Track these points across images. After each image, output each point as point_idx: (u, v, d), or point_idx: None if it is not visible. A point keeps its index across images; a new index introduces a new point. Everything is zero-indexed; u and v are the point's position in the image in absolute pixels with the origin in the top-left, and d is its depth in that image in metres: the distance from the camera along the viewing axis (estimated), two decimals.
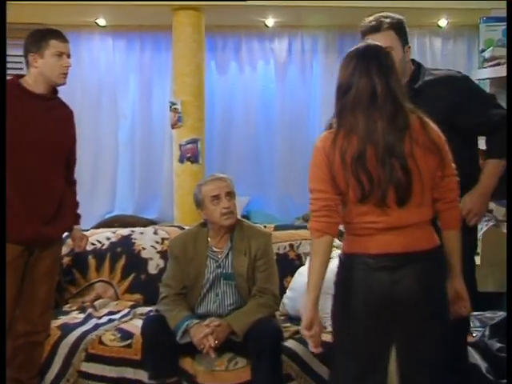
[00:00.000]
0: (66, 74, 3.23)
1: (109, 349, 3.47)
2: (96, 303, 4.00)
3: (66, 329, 3.59)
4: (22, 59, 5.05)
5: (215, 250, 3.51)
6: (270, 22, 5.23)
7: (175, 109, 4.83)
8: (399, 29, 2.89)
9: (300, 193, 5.46)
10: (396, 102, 2.33)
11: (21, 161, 3.18)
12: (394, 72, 2.38)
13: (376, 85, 2.33)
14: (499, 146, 2.87)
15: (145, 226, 4.73)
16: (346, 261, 2.41)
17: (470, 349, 3.24)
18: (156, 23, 5.26)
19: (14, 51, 5.37)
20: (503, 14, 4.16)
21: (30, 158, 3.20)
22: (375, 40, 2.72)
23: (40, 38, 3.19)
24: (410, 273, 2.34)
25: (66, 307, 3.97)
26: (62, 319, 3.72)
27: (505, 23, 4.09)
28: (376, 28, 2.86)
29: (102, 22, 5.30)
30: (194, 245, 3.49)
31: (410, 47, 2.96)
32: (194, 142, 4.81)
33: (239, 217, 3.87)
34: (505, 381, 2.96)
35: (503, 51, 3.85)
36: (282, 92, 5.53)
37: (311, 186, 2.40)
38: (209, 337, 3.23)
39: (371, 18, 2.95)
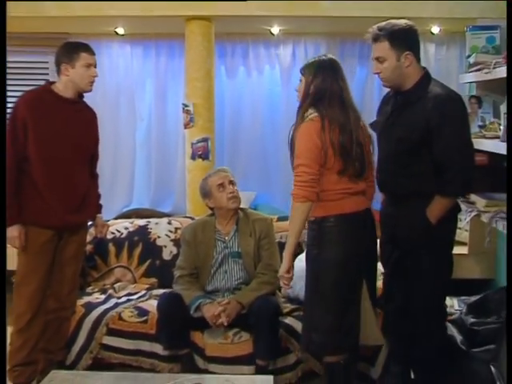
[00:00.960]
0: (92, 83, 3.58)
1: (127, 324, 3.82)
2: (116, 286, 4.34)
3: (90, 307, 3.94)
4: (48, 65, 5.50)
5: (222, 233, 3.88)
6: (276, 30, 5.33)
7: (187, 110, 4.96)
8: (394, 39, 3.08)
9: None
10: (353, 102, 3.14)
11: (52, 157, 3.50)
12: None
13: (343, 89, 3.11)
14: (448, 186, 3.05)
15: (160, 218, 4.93)
16: (331, 222, 3.09)
17: (448, 324, 3.53)
18: (170, 32, 5.39)
19: (41, 58, 5.74)
20: (487, 23, 4.40)
21: (59, 154, 3.52)
22: (374, 48, 3.16)
23: (72, 50, 3.53)
24: (372, 224, 3.21)
25: (88, 289, 4.31)
26: (86, 299, 4.06)
27: (488, 31, 4.29)
28: (373, 39, 3.15)
29: (120, 31, 5.43)
30: (203, 230, 3.86)
31: (409, 54, 3.07)
32: (205, 140, 4.94)
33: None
34: (476, 349, 3.26)
35: (486, 57, 4.07)
36: (286, 94, 5.59)
37: (301, 161, 3.02)
38: (221, 314, 3.58)
39: (372, 28, 3.15)
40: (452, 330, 3.49)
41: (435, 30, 5.27)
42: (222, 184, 3.88)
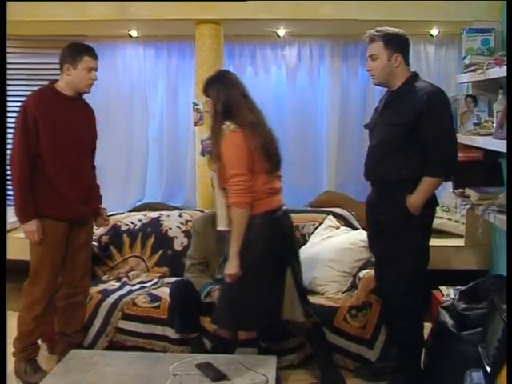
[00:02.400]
0: (91, 85, 3.73)
1: (141, 309, 3.99)
2: (130, 274, 4.48)
3: (105, 293, 4.11)
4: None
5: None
6: (282, 32, 5.45)
7: (197, 109, 5.08)
8: (388, 40, 3.46)
9: (309, 183, 5.80)
10: (256, 104, 3.48)
11: (61, 152, 3.65)
12: None
13: (246, 95, 3.47)
14: (433, 166, 3.34)
15: (171, 211, 5.06)
16: (260, 218, 3.36)
17: (440, 309, 3.74)
18: (181, 34, 5.52)
19: (55, 59, 5.87)
20: (483, 25, 4.59)
21: (67, 149, 3.68)
22: (369, 48, 3.49)
23: (76, 52, 3.67)
24: (289, 217, 3.56)
25: (104, 277, 4.48)
26: (102, 286, 4.23)
27: (483, 34, 4.42)
28: (370, 39, 3.51)
29: (134, 33, 5.58)
30: (213, 222, 3.92)
31: (399, 56, 3.45)
32: None
33: None
34: (465, 332, 3.46)
35: (480, 58, 4.22)
36: (292, 93, 5.74)
37: (237, 171, 3.28)
38: None
39: (370, 31, 3.51)
40: (444, 315, 3.64)
41: (434, 32, 5.41)
42: None
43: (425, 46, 5.65)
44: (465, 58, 4.51)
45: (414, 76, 3.56)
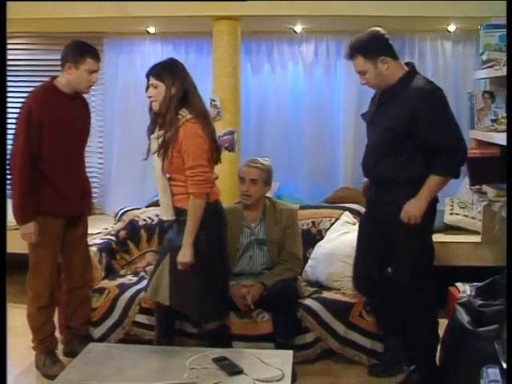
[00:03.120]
0: (90, 87, 3.74)
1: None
2: (147, 269, 4.47)
3: (123, 287, 4.15)
4: None
5: (249, 220, 4.04)
6: (299, 28, 5.49)
7: (215, 105, 5.08)
8: (366, 51, 3.36)
9: (325, 179, 5.84)
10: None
11: (62, 151, 3.67)
12: None
13: (195, 85, 3.52)
14: (443, 166, 3.30)
15: None
16: (212, 206, 3.45)
17: (457, 306, 3.71)
18: (198, 31, 5.55)
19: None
20: (501, 21, 4.54)
21: (67, 148, 3.70)
22: (354, 64, 3.45)
23: (79, 53, 3.64)
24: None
25: (122, 272, 4.50)
26: (119, 280, 4.26)
27: (501, 30, 4.35)
28: (349, 57, 3.47)
29: (152, 30, 5.65)
30: (231, 217, 3.97)
31: (383, 59, 3.34)
32: (231, 133, 5.09)
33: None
34: (481, 329, 3.46)
35: (498, 54, 4.18)
36: (309, 90, 5.77)
37: (199, 162, 3.33)
38: (246, 296, 3.78)
39: (345, 48, 3.49)
40: (460, 312, 3.63)
41: (452, 28, 5.41)
42: (243, 178, 4.05)
43: (442, 43, 5.66)
44: (482, 54, 4.48)
45: (409, 72, 3.45)
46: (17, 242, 5.30)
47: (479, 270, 4.59)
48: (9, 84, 6.10)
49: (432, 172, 3.33)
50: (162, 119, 3.42)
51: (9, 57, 6.03)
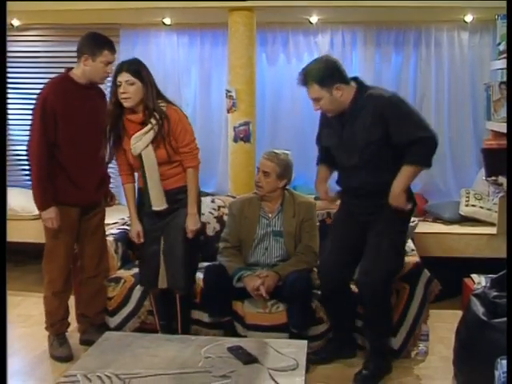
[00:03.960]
0: (106, 77, 3.77)
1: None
2: None
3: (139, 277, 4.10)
4: None
5: (267, 211, 4.04)
6: (314, 19, 5.49)
7: (230, 96, 5.11)
8: (321, 80, 3.40)
9: None
10: None
11: (77, 140, 3.72)
12: None
13: None
14: (413, 155, 3.39)
15: (204, 197, 4.99)
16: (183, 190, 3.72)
17: (472, 297, 3.70)
18: (214, 22, 5.57)
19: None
20: None
21: (83, 137, 3.74)
22: (307, 91, 3.52)
23: (96, 45, 3.68)
24: None
25: (137, 261, 4.39)
26: (135, 270, 4.21)
27: None
28: (303, 83, 3.51)
29: (167, 21, 5.67)
30: (249, 206, 4.04)
31: (338, 87, 3.40)
32: (247, 124, 5.10)
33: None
34: (496, 320, 3.47)
35: None
36: None
37: (193, 138, 3.73)
38: (260, 287, 3.77)
39: (299, 73, 3.53)
40: (475, 303, 3.62)
41: (468, 18, 5.40)
42: (258, 169, 4.08)
43: (459, 33, 5.64)
44: (499, 44, 4.49)
45: (359, 89, 3.51)
46: (33, 232, 5.40)
47: (494, 261, 4.58)
48: (26, 76, 6.21)
49: (405, 162, 3.40)
50: (147, 114, 3.57)
51: (26, 48, 6.12)
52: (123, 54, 5.91)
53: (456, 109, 5.72)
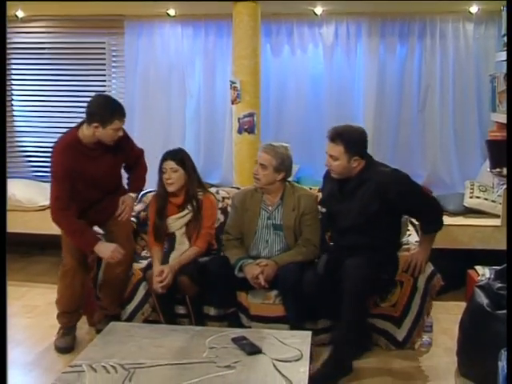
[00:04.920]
0: (115, 140, 3.87)
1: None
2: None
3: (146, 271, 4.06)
4: (105, 46, 5.84)
5: (268, 203, 4.03)
6: (319, 10, 5.45)
7: (235, 87, 5.07)
8: (350, 146, 3.60)
9: None
10: None
11: (78, 190, 3.87)
12: None
13: None
14: (431, 224, 3.81)
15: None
16: None
17: (476, 289, 3.70)
18: (218, 13, 5.55)
19: (98, 39, 6.07)
20: None
21: (84, 190, 3.92)
22: (329, 147, 3.66)
23: (107, 116, 3.77)
24: None
25: (143, 253, 4.48)
26: (143, 263, 4.22)
27: None
28: (331, 139, 3.64)
29: (172, 12, 5.65)
30: (251, 198, 4.04)
31: (358, 159, 3.62)
32: (251, 115, 5.06)
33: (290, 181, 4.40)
34: (500, 311, 3.45)
35: None
36: (329, 72, 5.73)
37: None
38: (259, 276, 3.78)
39: (332, 128, 3.68)
40: (479, 295, 3.63)
41: (473, 9, 5.38)
42: (257, 161, 4.07)
43: (463, 24, 5.61)
44: (504, 35, 4.44)
45: (368, 163, 3.70)
46: (37, 223, 5.42)
47: (499, 253, 4.57)
48: (30, 67, 6.22)
49: (425, 232, 3.89)
50: (187, 199, 4.05)
51: (30, 40, 6.13)
52: (127, 45, 6.01)
53: (461, 100, 5.69)
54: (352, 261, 3.59)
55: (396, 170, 3.70)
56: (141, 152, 4.29)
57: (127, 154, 4.13)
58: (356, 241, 3.69)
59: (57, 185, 3.87)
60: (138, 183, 4.29)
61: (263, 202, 4.09)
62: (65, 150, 3.86)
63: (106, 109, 3.79)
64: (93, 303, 4.18)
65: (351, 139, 3.63)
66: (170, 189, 4.02)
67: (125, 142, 4.05)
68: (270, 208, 4.07)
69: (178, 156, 4.05)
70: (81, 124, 3.89)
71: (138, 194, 4.39)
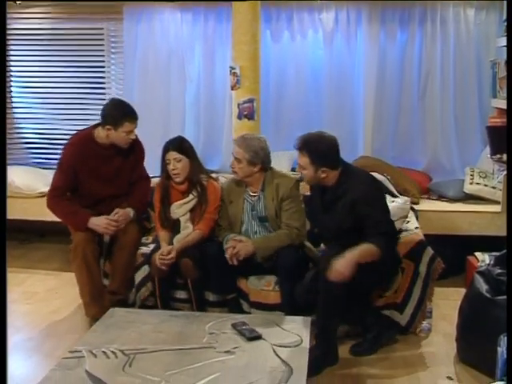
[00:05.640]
0: (129, 143, 4.05)
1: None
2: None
3: (146, 257, 4.13)
4: (103, 32, 5.82)
5: (251, 194, 4.00)
6: None
7: (234, 73, 5.02)
8: (315, 157, 3.52)
9: (344, 147, 5.57)
10: None
11: (91, 192, 4.11)
12: None
13: None
14: (377, 239, 3.42)
15: None
16: None
17: (475, 275, 3.70)
18: None
19: (97, 25, 6.08)
20: None
21: (94, 188, 4.12)
22: (297, 155, 3.62)
23: (117, 118, 3.97)
24: None
25: (143, 239, 4.44)
26: (143, 249, 4.24)
27: None
28: (298, 148, 3.59)
29: None
30: (235, 190, 4.04)
31: (325, 170, 3.54)
32: (251, 101, 5.01)
33: (289, 169, 4.38)
34: (499, 297, 3.44)
35: None
36: (329, 58, 5.70)
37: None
38: (229, 250, 3.78)
39: (302, 137, 3.60)
40: (479, 281, 3.64)
41: None
42: (233, 154, 4.03)
43: (465, 10, 5.58)
44: (505, 20, 4.43)
45: (344, 172, 3.62)
46: (37, 210, 5.43)
47: (499, 239, 4.58)
48: (31, 53, 6.21)
49: (368, 241, 3.45)
50: (190, 186, 4.08)
51: (29, 26, 6.12)
52: (126, 31, 5.99)
53: (461, 86, 5.67)
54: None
55: (366, 183, 3.62)
56: (146, 176, 4.43)
57: (135, 164, 4.29)
58: (341, 250, 3.52)
59: (59, 175, 4.07)
60: (136, 203, 4.31)
61: (246, 192, 4.05)
62: (76, 145, 4.08)
63: (117, 111, 3.99)
64: (101, 290, 4.17)
65: (317, 151, 3.54)
66: (178, 179, 4.05)
67: (138, 153, 4.29)
68: (252, 200, 4.03)
69: (180, 145, 4.07)
70: (98, 125, 4.06)
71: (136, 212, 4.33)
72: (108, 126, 3.97)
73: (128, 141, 4.06)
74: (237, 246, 3.80)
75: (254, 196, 4.02)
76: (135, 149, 4.22)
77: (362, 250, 3.43)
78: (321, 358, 3.48)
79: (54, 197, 4.07)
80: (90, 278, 4.03)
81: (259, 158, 3.92)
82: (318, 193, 3.77)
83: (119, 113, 3.99)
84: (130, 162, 4.23)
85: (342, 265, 3.36)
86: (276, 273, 3.91)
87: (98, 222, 4.00)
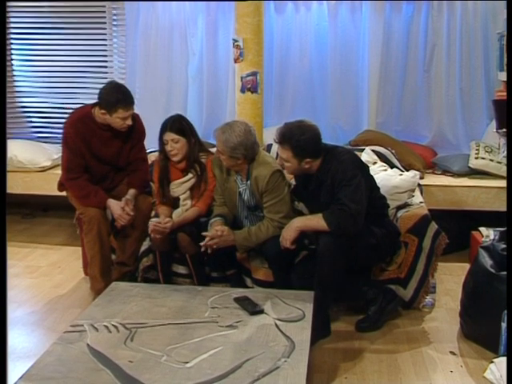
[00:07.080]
0: (125, 128, 3.99)
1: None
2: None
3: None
4: (105, 9, 5.80)
5: (241, 182, 3.91)
6: None
7: (237, 45, 4.96)
8: (297, 150, 3.45)
9: (348, 121, 5.78)
10: None
11: (91, 168, 4.10)
12: None
13: None
14: (333, 217, 3.39)
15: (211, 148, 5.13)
16: None
17: (480, 250, 3.69)
18: None
19: (98, 2, 6.04)
20: None
21: (92, 166, 4.11)
22: (279, 149, 3.54)
23: (111, 104, 3.89)
24: None
25: None
26: None
27: None
28: (278, 142, 3.52)
29: None
30: (228, 175, 3.95)
31: (309, 161, 3.49)
32: (254, 74, 4.97)
33: None
34: (504, 273, 3.43)
35: None
36: (333, 30, 5.64)
37: None
38: (207, 238, 3.70)
39: (281, 131, 3.50)
40: (483, 256, 3.62)
41: None
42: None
43: None
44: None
45: (325, 156, 3.57)
46: (39, 184, 5.42)
47: (503, 214, 4.54)
48: (30, 26, 6.18)
49: (323, 214, 3.43)
50: (189, 164, 4.04)
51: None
52: (128, 4, 5.94)
53: (467, 59, 5.59)
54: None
55: (345, 162, 3.53)
56: (143, 157, 4.38)
57: (136, 143, 4.26)
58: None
59: (67, 156, 4.05)
60: (136, 185, 4.28)
61: (238, 177, 3.94)
62: (75, 124, 4.04)
63: (111, 96, 3.91)
64: (109, 266, 4.18)
65: (299, 144, 3.45)
66: (175, 159, 4.02)
67: (139, 133, 4.24)
68: (241, 190, 3.93)
69: (177, 125, 4.02)
70: (96, 104, 4.01)
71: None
72: (102, 111, 3.94)
73: (123, 126, 3.99)
74: (216, 241, 3.72)
75: (242, 186, 3.92)
76: (136, 129, 4.16)
77: (309, 219, 3.56)
78: (315, 331, 3.46)
79: (71, 179, 4.08)
80: (102, 253, 4.05)
81: (239, 153, 3.73)
82: (302, 182, 3.76)
83: (113, 99, 3.90)
84: (132, 141, 4.21)
85: (287, 231, 3.52)
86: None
87: (114, 209, 4.01)
